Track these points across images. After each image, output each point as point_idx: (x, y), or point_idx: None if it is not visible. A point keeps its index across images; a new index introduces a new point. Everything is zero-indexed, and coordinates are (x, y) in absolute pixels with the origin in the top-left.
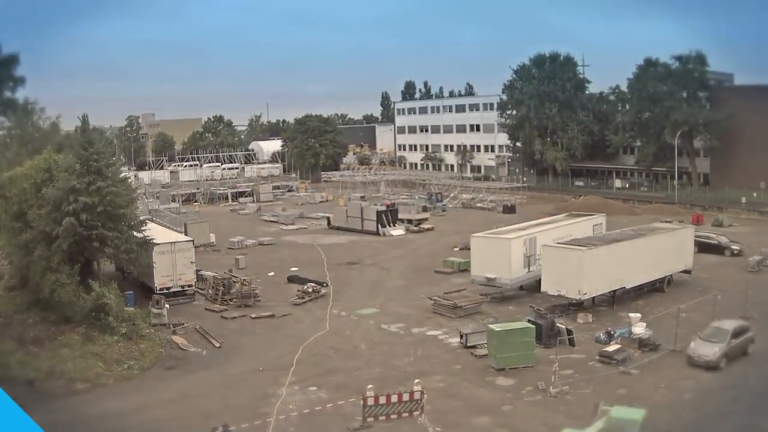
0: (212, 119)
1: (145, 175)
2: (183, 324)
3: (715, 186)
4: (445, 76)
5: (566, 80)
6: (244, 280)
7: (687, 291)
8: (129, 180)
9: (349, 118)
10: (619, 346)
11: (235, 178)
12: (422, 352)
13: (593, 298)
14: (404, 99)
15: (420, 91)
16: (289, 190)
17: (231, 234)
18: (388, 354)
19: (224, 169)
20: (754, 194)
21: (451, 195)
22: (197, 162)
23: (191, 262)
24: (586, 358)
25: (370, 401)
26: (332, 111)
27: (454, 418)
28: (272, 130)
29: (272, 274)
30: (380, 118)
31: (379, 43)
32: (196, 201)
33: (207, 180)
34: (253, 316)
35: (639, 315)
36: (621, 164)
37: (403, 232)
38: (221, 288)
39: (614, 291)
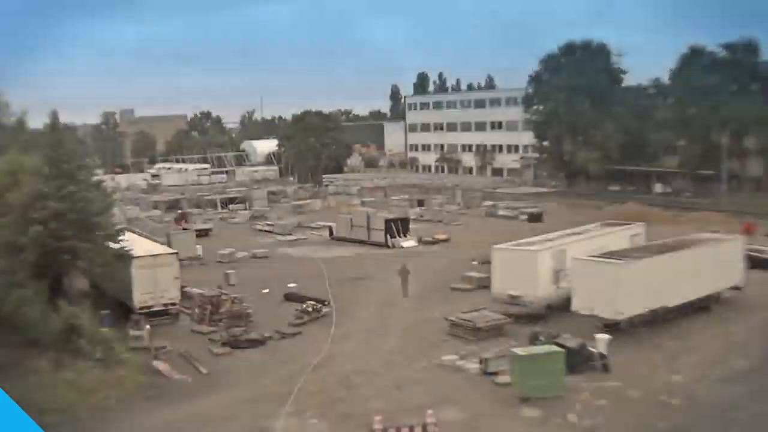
0: (199, 116)
1: (122, 179)
2: (166, 348)
3: None
4: (463, 66)
5: (600, 71)
6: (235, 298)
7: (736, 311)
8: (104, 184)
9: (354, 115)
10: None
11: (225, 182)
12: (436, 378)
13: (631, 318)
14: (416, 93)
15: (434, 83)
16: (284, 197)
17: (220, 246)
18: (398, 381)
19: (213, 172)
20: None
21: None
22: (183, 165)
23: (175, 278)
24: (623, 386)
25: None
26: (335, 107)
27: None
28: (267, 128)
29: (267, 291)
30: (389, 114)
31: (387, 31)
32: (180, 208)
33: (193, 184)
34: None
35: (608, 337)
36: (662, 167)
37: (416, 244)
38: (209, 307)
39: (654, 310)
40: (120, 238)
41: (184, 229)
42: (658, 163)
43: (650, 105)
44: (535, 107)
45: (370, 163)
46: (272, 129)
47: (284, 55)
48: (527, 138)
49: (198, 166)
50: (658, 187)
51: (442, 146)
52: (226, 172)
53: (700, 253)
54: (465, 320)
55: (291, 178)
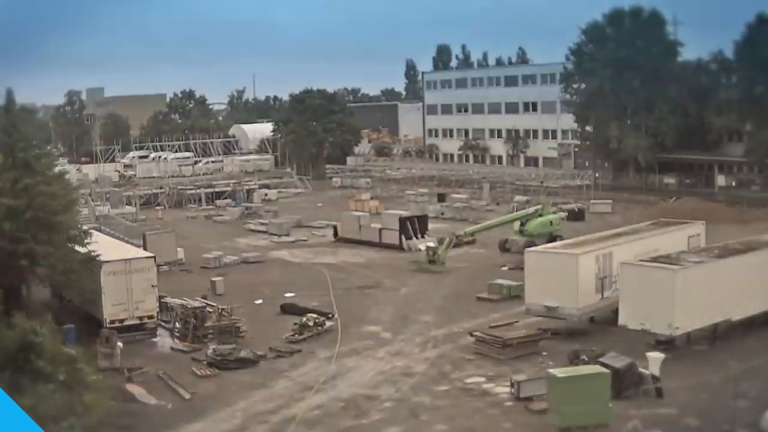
0: (180, 96)
1: (90, 170)
2: (141, 369)
3: None
4: (491, 38)
5: (652, 43)
6: (223, 310)
7: None
8: (68, 176)
9: (363, 95)
10: None
11: (211, 174)
12: (460, 405)
13: (688, 333)
14: (436, 69)
15: (457, 58)
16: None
17: (205, 249)
18: (414, 408)
19: (207, 162)
20: None
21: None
22: (162, 153)
23: (152, 286)
24: (679, 413)
25: None
26: (340, 85)
27: None
28: (260, 111)
29: (260, 302)
30: (404, 93)
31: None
32: (158, 204)
33: (173, 176)
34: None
35: (661, 356)
36: (725, 155)
37: (435, 246)
38: (192, 321)
39: (716, 325)
40: (87, 239)
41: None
42: (721, 152)
43: (712, 83)
44: (575, 85)
45: (382, 151)
46: (266, 111)
47: (280, 23)
48: (566, 122)
49: (179, 155)
50: (721, 180)
51: (466, 131)
52: (213, 161)
53: None
54: (493, 336)
55: (288, 169)
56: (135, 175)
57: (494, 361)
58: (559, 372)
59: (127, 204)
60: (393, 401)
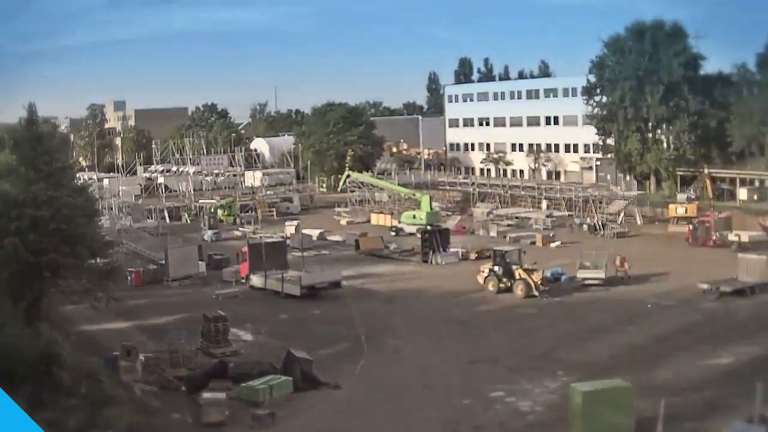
0: (201, 109)
1: (112, 183)
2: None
3: None
4: (513, 51)
5: (674, 56)
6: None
7: None
8: (90, 189)
9: (385, 108)
10: None
11: (233, 187)
12: (482, 417)
13: None
14: (458, 82)
15: (479, 71)
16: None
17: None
18: (435, 421)
19: (226, 175)
20: None
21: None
22: (183, 166)
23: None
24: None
25: None
26: (362, 98)
27: None
28: (282, 124)
29: (285, 317)
30: (426, 107)
31: (422, 9)
32: (180, 218)
33: (197, 190)
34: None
35: None
36: (748, 169)
37: (457, 260)
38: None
39: None
40: (110, 251)
41: None
42: (743, 165)
43: (734, 96)
44: (597, 98)
45: (404, 165)
46: (288, 125)
47: (303, 36)
48: (588, 135)
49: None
50: (743, 194)
51: (487, 145)
52: (234, 174)
53: None
54: None
55: (310, 183)
56: (160, 187)
57: (515, 373)
58: (582, 386)
59: (148, 218)
60: (413, 412)
